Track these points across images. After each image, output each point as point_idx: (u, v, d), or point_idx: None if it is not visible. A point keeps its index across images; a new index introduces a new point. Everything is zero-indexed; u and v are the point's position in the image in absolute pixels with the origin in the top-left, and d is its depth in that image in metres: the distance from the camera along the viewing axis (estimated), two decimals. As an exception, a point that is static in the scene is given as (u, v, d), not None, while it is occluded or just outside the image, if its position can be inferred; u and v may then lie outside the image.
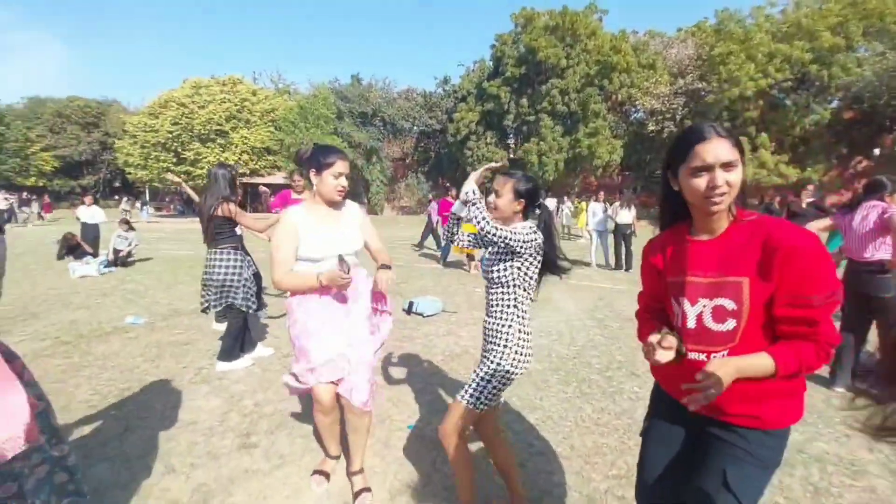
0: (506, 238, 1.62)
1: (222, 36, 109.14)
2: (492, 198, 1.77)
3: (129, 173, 30.62)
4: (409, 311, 5.29)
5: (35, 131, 36.97)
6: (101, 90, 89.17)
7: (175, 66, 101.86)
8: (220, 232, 3.48)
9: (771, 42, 21.55)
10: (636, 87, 25.16)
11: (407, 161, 35.91)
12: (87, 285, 6.79)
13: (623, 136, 26.84)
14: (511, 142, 30.49)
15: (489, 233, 1.61)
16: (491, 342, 1.73)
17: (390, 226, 22.12)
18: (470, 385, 1.72)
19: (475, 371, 1.76)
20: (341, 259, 1.87)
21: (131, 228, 8.81)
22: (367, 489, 2.06)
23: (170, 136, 29.36)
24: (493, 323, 1.74)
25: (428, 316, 5.16)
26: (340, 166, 1.93)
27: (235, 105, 30.20)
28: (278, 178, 29.87)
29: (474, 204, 1.67)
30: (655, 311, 1.33)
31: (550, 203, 15.70)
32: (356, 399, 1.93)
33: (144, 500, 2.00)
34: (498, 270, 1.71)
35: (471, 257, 8.45)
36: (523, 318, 1.72)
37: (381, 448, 2.47)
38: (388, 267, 2.02)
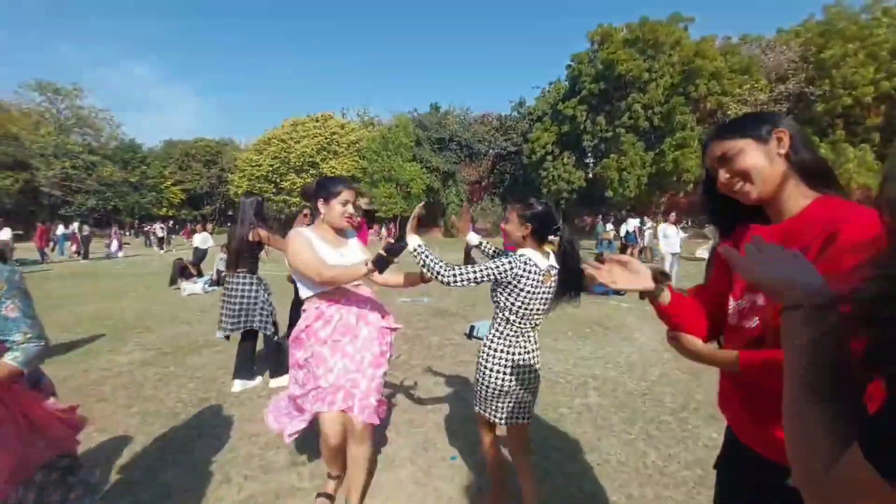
0: (475, 278, 1.70)
1: (319, 78, 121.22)
2: (502, 223, 1.92)
3: (236, 202, 34.74)
4: (469, 335, 5.24)
5: (168, 169, 43.64)
6: (220, 131, 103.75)
7: (280, 106, 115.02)
8: (243, 257, 3.65)
9: (896, 38, 18.59)
10: (727, 94, 22.97)
11: (483, 183, 36.30)
12: (192, 303, 7.72)
13: (715, 149, 24.63)
14: (590, 160, 29.47)
15: (450, 283, 1.68)
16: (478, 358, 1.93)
17: (461, 249, 22.26)
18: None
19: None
20: (380, 260, 1.82)
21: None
22: None
23: (271, 169, 32.99)
24: (490, 341, 1.89)
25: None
26: (347, 195, 2.01)
27: (326, 138, 33.10)
28: (361, 204, 31.84)
29: (425, 256, 1.73)
30: (701, 299, 1.16)
31: (633, 223, 14.63)
32: (361, 418, 1.95)
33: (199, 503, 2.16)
34: (493, 293, 1.87)
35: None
36: (512, 340, 1.85)
37: (421, 476, 2.43)
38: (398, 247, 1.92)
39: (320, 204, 2.03)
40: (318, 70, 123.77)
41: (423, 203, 2.08)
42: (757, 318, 0.97)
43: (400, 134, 30.45)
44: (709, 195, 1.12)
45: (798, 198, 0.97)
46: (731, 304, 1.06)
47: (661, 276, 1.16)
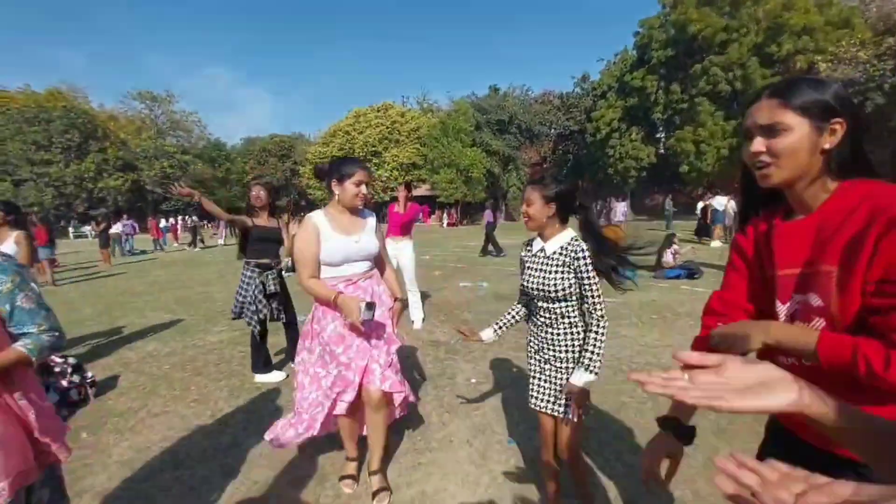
0: (597, 284, 1.65)
1: (381, 67, 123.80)
2: (524, 207, 1.75)
3: (311, 194, 36.83)
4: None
5: (248, 164, 47.29)
6: (292, 126, 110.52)
7: (344, 98, 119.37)
8: (247, 245, 3.79)
9: None
10: (821, 52, 19.94)
11: (544, 165, 35.24)
12: (270, 288, 8.40)
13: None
14: (661, 135, 27.41)
15: (603, 316, 1.67)
16: (567, 350, 1.75)
17: (525, 233, 21.89)
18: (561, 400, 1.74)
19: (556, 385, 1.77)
20: (371, 307, 1.91)
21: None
22: (385, 489, 2.13)
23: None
24: (563, 332, 1.74)
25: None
26: (361, 175, 2.05)
27: (387, 127, 33.91)
28: (422, 190, 32.40)
29: (596, 360, 1.65)
30: (726, 316, 1.05)
31: (720, 201, 12.83)
32: (385, 387, 2.03)
33: (277, 473, 2.39)
34: (561, 289, 1.68)
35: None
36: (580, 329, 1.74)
37: (477, 457, 2.49)
38: (405, 303, 2.16)
39: (334, 185, 2.07)
40: (380, 61, 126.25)
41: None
42: (820, 318, 0.86)
43: (459, 119, 30.34)
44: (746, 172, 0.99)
45: (821, 188, 0.89)
46: (780, 308, 0.94)
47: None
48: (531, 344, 1.86)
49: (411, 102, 41.05)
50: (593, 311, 1.65)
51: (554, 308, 1.72)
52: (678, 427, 1.05)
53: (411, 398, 2.35)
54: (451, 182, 29.68)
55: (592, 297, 1.65)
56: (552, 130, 33.76)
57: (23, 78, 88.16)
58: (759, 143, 0.88)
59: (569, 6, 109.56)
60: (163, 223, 22.31)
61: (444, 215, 31.42)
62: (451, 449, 2.58)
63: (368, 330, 2.08)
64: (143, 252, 16.87)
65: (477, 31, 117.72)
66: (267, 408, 3.18)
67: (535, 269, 1.75)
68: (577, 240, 1.70)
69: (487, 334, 1.96)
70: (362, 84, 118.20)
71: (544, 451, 1.89)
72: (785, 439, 1.00)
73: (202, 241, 20.21)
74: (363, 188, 2.08)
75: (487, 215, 12.57)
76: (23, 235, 3.64)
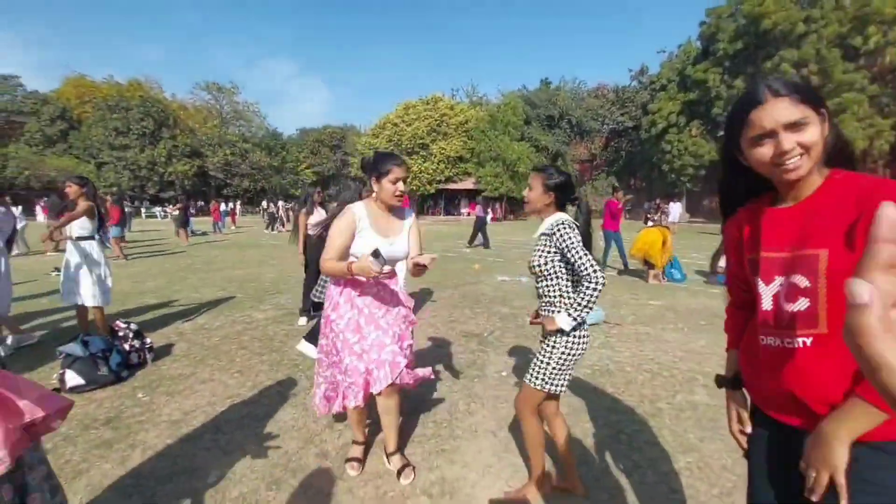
0: (583, 253, 1.74)
1: (432, 60, 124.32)
2: (525, 191, 1.94)
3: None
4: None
5: (302, 154, 49.26)
6: (344, 118, 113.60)
7: (395, 91, 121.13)
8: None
9: None
10: None
11: (595, 162, 34.07)
12: (315, 272, 8.74)
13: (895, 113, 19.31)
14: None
15: (597, 275, 1.70)
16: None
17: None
18: (533, 368, 1.89)
19: (539, 355, 1.89)
20: (377, 254, 1.84)
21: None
22: (408, 464, 2.16)
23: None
24: (546, 313, 1.87)
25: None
26: (398, 172, 2.03)
27: (436, 120, 34.00)
28: (468, 183, 32.33)
29: (581, 312, 1.74)
30: (741, 298, 1.18)
31: None
32: (384, 379, 2.04)
33: (306, 445, 2.50)
34: (545, 264, 1.83)
35: (650, 265, 7.50)
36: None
37: (501, 449, 2.47)
38: (423, 266, 1.98)
39: (373, 181, 2.06)
40: (431, 54, 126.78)
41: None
42: (805, 298, 0.90)
43: (508, 112, 29.93)
44: (733, 164, 1.04)
45: (816, 177, 0.94)
46: (762, 288, 0.98)
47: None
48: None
49: (461, 95, 40.95)
50: (584, 272, 1.71)
51: (539, 285, 1.89)
52: (736, 379, 1.18)
53: (430, 375, 2.31)
54: (496, 176, 29.40)
55: (578, 261, 1.73)
56: (604, 126, 32.55)
57: (107, 69, 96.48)
58: (789, 140, 0.89)
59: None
60: (223, 207, 23.71)
61: (490, 210, 31.19)
62: (476, 438, 2.58)
63: (385, 325, 2.13)
64: (204, 233, 18.04)
65: (531, 22, 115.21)
66: (302, 383, 3.32)
67: (533, 250, 1.92)
68: (559, 221, 1.82)
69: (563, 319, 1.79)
70: (414, 77, 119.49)
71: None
72: (766, 420, 1.05)
73: (282, 225, 21.36)
74: (400, 185, 2.07)
75: (479, 210, 13.21)
76: (88, 206, 3.97)
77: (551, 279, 1.83)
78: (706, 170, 25.62)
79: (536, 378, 1.87)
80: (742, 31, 22.17)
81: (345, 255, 2.06)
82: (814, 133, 0.89)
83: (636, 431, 2.66)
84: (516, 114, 30.00)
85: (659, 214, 7.93)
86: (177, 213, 15.17)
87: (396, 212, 2.19)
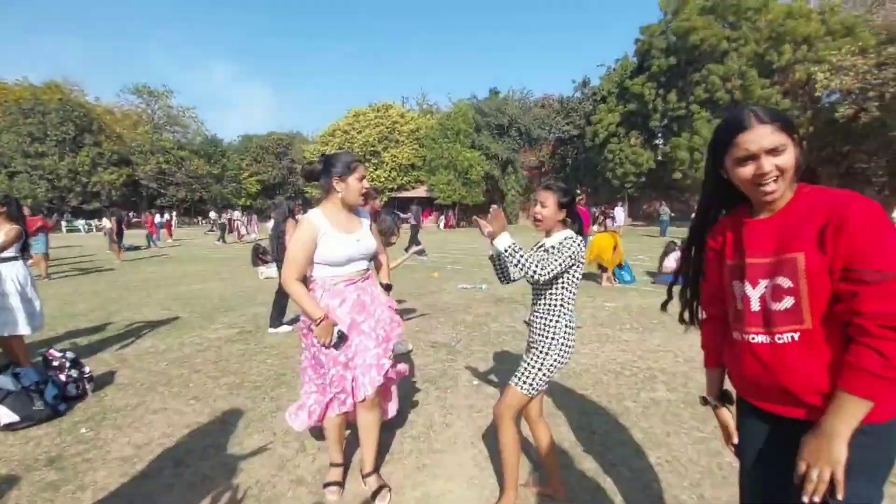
0: (560, 268, 1.80)
1: (381, 67, 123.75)
2: (537, 208, 1.96)
3: (308, 192, 36.68)
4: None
5: (245, 161, 47.00)
6: (290, 125, 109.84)
7: (343, 98, 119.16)
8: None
9: None
10: (821, 61, 20.03)
11: (543, 169, 35.34)
12: (269, 285, 8.33)
13: (805, 124, 21.62)
14: (659, 142, 27.57)
15: (542, 279, 1.76)
16: (540, 335, 1.92)
17: (523, 234, 21.94)
18: (522, 373, 1.91)
19: (525, 360, 1.93)
20: (342, 336, 1.95)
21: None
22: (385, 486, 2.11)
23: (335, 159, 34.40)
24: (543, 319, 1.92)
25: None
26: (362, 170, 2.04)
27: (387, 128, 33.82)
28: (420, 191, 32.37)
29: (519, 256, 1.77)
30: (719, 311, 1.26)
31: None
32: (370, 383, 2.01)
33: (279, 471, 2.36)
34: (556, 277, 1.85)
35: (603, 269, 7.87)
36: (571, 314, 1.92)
37: (482, 460, 2.46)
38: (389, 286, 2.16)
39: (335, 182, 1.98)
40: (380, 62, 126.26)
41: (498, 207, 2.01)
42: (790, 297, 1.00)
43: (458, 120, 30.34)
44: (716, 179, 1.16)
45: (788, 192, 1.06)
46: (749, 291, 1.08)
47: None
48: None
49: (411, 103, 41.04)
50: (542, 262, 1.77)
51: (540, 290, 1.93)
52: (721, 397, 1.32)
53: (406, 372, 2.38)
54: (448, 184, 29.65)
55: (553, 267, 1.78)
56: (551, 134, 33.85)
57: (21, 70, 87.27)
58: (769, 164, 1.01)
59: (571, 11, 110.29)
60: (157, 219, 22.09)
61: (442, 217, 31.37)
62: (456, 451, 2.57)
63: (367, 329, 2.08)
64: (137, 248, 16.71)
65: (479, 33, 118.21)
66: (266, 405, 3.15)
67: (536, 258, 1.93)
68: (572, 237, 1.90)
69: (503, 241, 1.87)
70: (362, 84, 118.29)
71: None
72: (752, 409, 1.16)
73: (238, 237, 20.64)
74: (365, 182, 2.05)
75: (412, 217, 14.42)
76: (17, 232, 3.57)
77: (555, 288, 1.88)
78: (645, 177, 27.34)
79: (524, 382, 1.88)
80: (673, 48, 24.03)
81: (307, 267, 2.01)
82: (789, 157, 1.01)
83: (608, 431, 2.77)
84: (466, 121, 30.49)
85: (605, 219, 8.35)
86: (109, 225, 13.88)
87: (353, 211, 2.15)
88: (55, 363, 3.22)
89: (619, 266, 8.03)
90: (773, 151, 1.00)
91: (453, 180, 29.66)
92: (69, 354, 3.36)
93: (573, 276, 1.90)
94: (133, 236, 19.03)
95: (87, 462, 2.43)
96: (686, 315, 1.33)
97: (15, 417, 2.70)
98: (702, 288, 1.30)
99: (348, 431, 2.35)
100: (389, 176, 33.23)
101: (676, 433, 2.72)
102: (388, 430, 2.78)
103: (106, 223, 15.96)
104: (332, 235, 1.99)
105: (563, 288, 1.89)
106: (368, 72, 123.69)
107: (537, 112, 33.83)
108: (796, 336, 1.00)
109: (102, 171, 36.53)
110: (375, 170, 33.24)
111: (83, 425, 2.86)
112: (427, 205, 32.89)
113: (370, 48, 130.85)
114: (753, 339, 1.07)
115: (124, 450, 2.57)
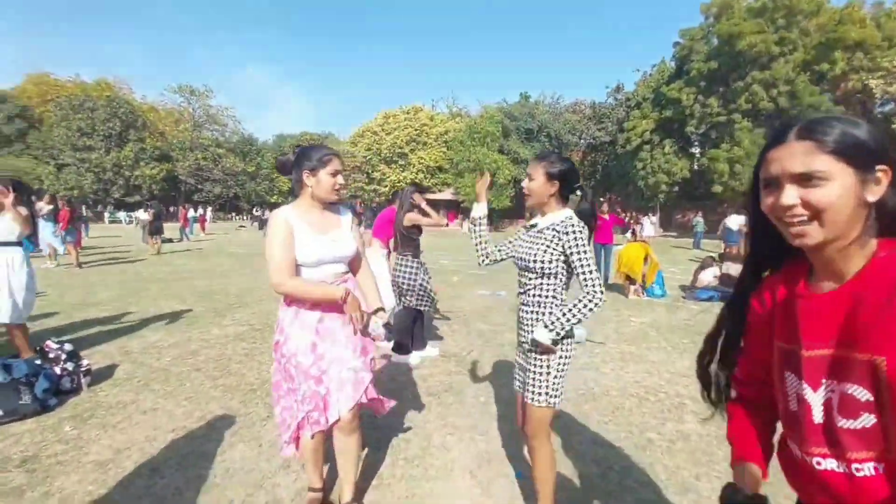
0: (592, 261, 1.63)
1: (414, 71, 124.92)
2: (525, 182, 1.76)
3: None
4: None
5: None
6: (323, 125, 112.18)
7: (376, 101, 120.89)
8: (403, 241, 4.04)
9: None
10: (879, 69, 18.70)
11: (572, 175, 34.64)
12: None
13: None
14: (696, 150, 26.48)
15: (601, 292, 1.62)
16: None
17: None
18: (532, 384, 1.72)
19: (529, 369, 1.74)
20: (389, 328, 1.86)
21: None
22: None
23: (364, 160, 34.80)
24: (534, 314, 1.72)
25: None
26: (336, 163, 1.81)
27: (415, 130, 33.97)
28: (447, 194, 32.27)
29: (481, 230, 1.90)
30: (756, 387, 0.95)
31: (736, 219, 12.00)
32: (347, 402, 1.82)
33: (255, 490, 2.17)
34: (549, 262, 1.68)
35: (631, 281, 7.42)
36: (563, 302, 1.74)
37: (479, 492, 2.19)
38: (383, 309, 1.93)
39: (305, 176, 1.80)
40: (413, 65, 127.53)
41: (487, 174, 1.92)
42: (869, 414, 0.68)
43: (486, 124, 30.09)
44: (759, 214, 0.82)
45: (858, 251, 0.73)
46: (808, 394, 0.76)
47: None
48: (518, 328, 1.85)
49: (441, 106, 41.09)
50: (586, 285, 1.61)
51: (530, 280, 1.73)
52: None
53: (388, 405, 2.08)
54: (474, 187, 29.38)
55: (584, 271, 1.61)
56: (581, 140, 33.12)
57: (74, 67, 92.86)
58: (791, 195, 0.72)
59: (607, 16, 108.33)
60: (191, 213, 22.79)
61: (466, 220, 31.14)
62: (452, 479, 2.30)
63: (343, 338, 1.85)
64: (170, 240, 17.22)
65: (512, 39, 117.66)
66: (258, 412, 2.97)
67: (525, 242, 1.77)
68: (571, 219, 1.69)
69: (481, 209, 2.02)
70: (395, 87, 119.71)
71: (518, 420, 1.92)
72: None
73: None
74: (339, 178, 1.83)
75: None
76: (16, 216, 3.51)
77: (549, 278, 1.70)
78: (678, 186, 26.28)
79: (541, 394, 1.70)
80: (715, 53, 22.98)
81: (294, 264, 1.79)
82: (830, 194, 0.69)
83: (626, 467, 2.44)
84: (494, 125, 30.19)
85: (634, 227, 7.92)
86: (147, 217, 14.28)
87: (330, 207, 1.93)
88: (51, 355, 3.16)
89: (652, 280, 7.55)
90: (805, 179, 0.70)
91: (480, 184, 29.37)
92: (67, 346, 3.29)
93: (568, 266, 1.71)
94: (167, 229, 19.68)
95: (61, 465, 2.30)
96: (712, 394, 1.01)
97: (-3, 411, 2.62)
98: (738, 363, 0.97)
99: (327, 464, 2.13)
100: (416, 178, 33.29)
101: (707, 476, 2.37)
102: (382, 446, 2.56)
103: (142, 215, 16.53)
104: (303, 233, 1.79)
105: (555, 278, 1.70)
106: (401, 75, 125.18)
107: (568, 117, 33.19)
108: (881, 467, 0.68)
109: (144, 165, 38.22)
110: (402, 171, 33.42)
111: (69, 423, 2.76)
112: (453, 207, 32.76)
113: (404, 52, 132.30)
114: (819, 464, 0.75)
115: (103, 453, 2.44)
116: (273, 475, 2.27)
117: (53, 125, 35.70)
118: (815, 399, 0.75)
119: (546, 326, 1.63)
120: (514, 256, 1.82)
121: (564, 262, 1.68)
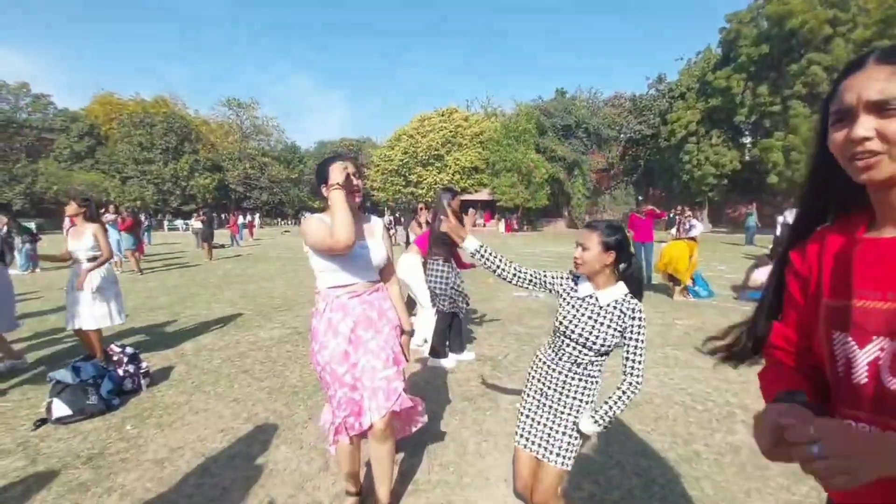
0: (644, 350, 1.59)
1: (449, 73, 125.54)
2: (578, 251, 1.65)
3: (374, 195, 37.99)
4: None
5: (319, 167, 49.91)
6: (361, 131, 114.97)
7: (413, 103, 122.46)
8: (437, 244, 4.05)
9: None
10: None
11: (612, 171, 33.51)
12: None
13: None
14: (746, 140, 24.91)
15: (511, 281, 1.74)
16: (575, 398, 1.67)
17: (589, 241, 20.85)
18: (565, 448, 1.67)
19: (564, 432, 1.67)
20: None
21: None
22: None
23: (401, 163, 35.33)
24: (582, 382, 1.67)
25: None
26: (339, 168, 1.82)
27: (451, 131, 34.03)
28: (483, 194, 32.13)
29: (488, 254, 1.75)
30: (794, 355, 0.85)
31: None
32: (380, 409, 1.83)
33: (296, 491, 2.25)
34: (609, 345, 1.61)
35: (676, 281, 7.08)
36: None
37: (513, 501, 2.17)
38: (411, 333, 1.98)
39: (324, 190, 1.85)
40: (448, 67, 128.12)
41: (476, 212, 1.86)
42: None
43: (522, 122, 29.69)
44: (826, 160, 0.74)
45: None
46: (855, 351, 0.69)
47: None
48: (534, 379, 1.78)
49: (475, 107, 40.96)
50: (632, 373, 1.57)
51: (585, 356, 1.64)
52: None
53: (423, 419, 2.14)
54: (511, 186, 29.09)
55: (636, 360, 1.57)
56: (622, 135, 32.02)
57: (136, 87, 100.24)
58: (866, 126, 0.64)
59: (644, 7, 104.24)
60: (240, 220, 24.00)
61: (503, 221, 30.83)
62: (487, 487, 2.30)
63: (375, 348, 1.89)
64: (222, 246, 18.21)
65: (547, 36, 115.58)
66: (300, 415, 3.09)
67: (585, 316, 1.65)
68: (631, 297, 1.63)
69: (471, 242, 1.75)
70: (431, 89, 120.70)
71: (518, 482, 1.83)
72: None
73: None
74: (353, 179, 1.85)
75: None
76: (97, 228, 3.87)
77: (604, 356, 1.67)
78: (728, 179, 24.84)
79: (567, 459, 1.68)
80: (765, 36, 21.55)
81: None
82: None
83: (670, 481, 2.34)
84: (529, 123, 29.73)
85: (680, 224, 7.54)
86: (199, 224, 15.25)
87: (361, 216, 1.99)
88: (115, 358, 3.43)
89: (692, 279, 7.19)
90: (881, 109, 0.63)
91: (517, 183, 29.05)
92: (129, 349, 3.56)
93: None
94: (218, 236, 20.87)
95: (122, 462, 2.49)
96: (738, 350, 0.95)
97: (67, 411, 2.87)
98: (773, 328, 0.89)
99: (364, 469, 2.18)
100: (452, 179, 33.36)
101: (759, 492, 2.23)
102: (417, 452, 2.59)
103: (195, 223, 17.67)
104: None
105: (608, 354, 1.67)
106: (437, 78, 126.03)
107: (607, 112, 32.18)
108: None
109: (198, 176, 40.66)
110: (439, 173, 33.60)
111: (130, 421, 2.98)
112: (489, 208, 32.57)
113: (439, 55, 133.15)
114: (854, 426, 0.69)
115: (159, 451, 2.61)
116: (313, 477, 2.35)
117: (117, 141, 38.70)
118: (861, 357, 0.69)
119: (595, 421, 1.61)
120: (564, 325, 1.67)
121: (620, 341, 1.62)
